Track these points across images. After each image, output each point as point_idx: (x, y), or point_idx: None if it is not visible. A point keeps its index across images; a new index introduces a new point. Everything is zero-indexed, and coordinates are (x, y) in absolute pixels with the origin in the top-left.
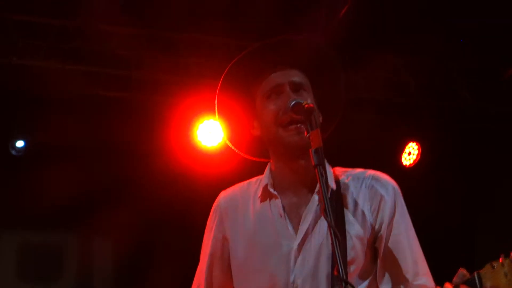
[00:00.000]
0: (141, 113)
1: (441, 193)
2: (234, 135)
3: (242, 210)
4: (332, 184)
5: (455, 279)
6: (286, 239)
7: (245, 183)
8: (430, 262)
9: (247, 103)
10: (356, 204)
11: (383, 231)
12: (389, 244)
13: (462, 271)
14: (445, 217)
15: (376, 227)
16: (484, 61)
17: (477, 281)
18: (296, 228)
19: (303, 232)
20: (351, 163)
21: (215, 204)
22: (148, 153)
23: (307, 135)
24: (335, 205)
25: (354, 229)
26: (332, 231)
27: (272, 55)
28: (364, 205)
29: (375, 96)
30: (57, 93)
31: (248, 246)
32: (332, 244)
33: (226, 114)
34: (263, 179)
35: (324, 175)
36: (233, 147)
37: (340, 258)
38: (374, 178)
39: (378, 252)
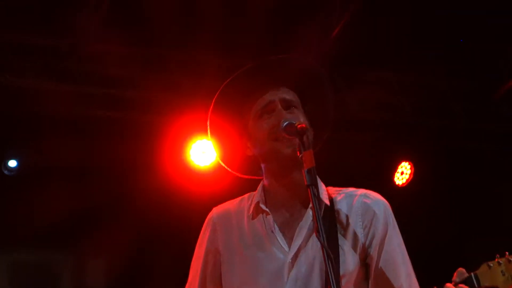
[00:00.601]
0: (134, 133)
1: (433, 212)
2: (226, 154)
3: (235, 225)
4: (326, 200)
5: (454, 278)
6: (280, 253)
7: (237, 199)
8: (421, 280)
9: (239, 123)
10: (348, 220)
11: (375, 247)
12: (382, 260)
13: (461, 270)
14: (437, 236)
15: (367, 243)
16: (477, 81)
17: (474, 280)
18: (289, 243)
19: (296, 247)
20: (344, 182)
21: (208, 218)
22: (141, 173)
23: (300, 156)
24: (328, 221)
25: (347, 244)
26: (325, 251)
27: (262, 75)
28: (357, 221)
29: (368, 116)
30: (50, 112)
31: (241, 261)
32: (325, 262)
33: (218, 135)
34: (255, 196)
35: (317, 195)
36: (225, 167)
37: (333, 278)
38: (365, 195)
39: (370, 268)
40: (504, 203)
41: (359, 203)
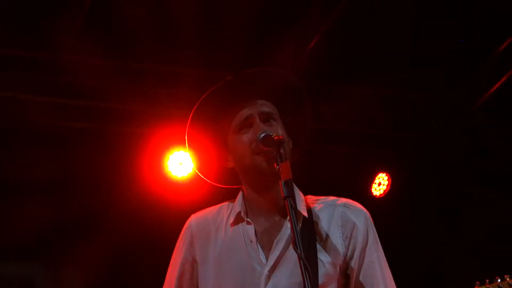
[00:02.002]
0: (111, 144)
1: (410, 222)
2: (204, 165)
3: (214, 234)
4: (303, 212)
5: None
6: (257, 265)
7: (216, 207)
8: None
9: (218, 136)
10: (328, 231)
11: (356, 259)
12: (362, 273)
13: None
14: (415, 246)
15: (349, 254)
16: (453, 93)
17: None
18: (267, 255)
19: (274, 259)
20: (322, 193)
21: (186, 226)
22: (118, 184)
23: (277, 167)
24: (307, 233)
25: (326, 256)
26: (302, 264)
27: (240, 88)
28: (336, 232)
29: (344, 128)
30: (25, 124)
31: (219, 271)
32: (302, 274)
33: (196, 147)
34: (236, 205)
35: (294, 207)
36: (204, 178)
37: None
38: (346, 205)
39: (350, 280)
40: (481, 212)
41: (338, 214)
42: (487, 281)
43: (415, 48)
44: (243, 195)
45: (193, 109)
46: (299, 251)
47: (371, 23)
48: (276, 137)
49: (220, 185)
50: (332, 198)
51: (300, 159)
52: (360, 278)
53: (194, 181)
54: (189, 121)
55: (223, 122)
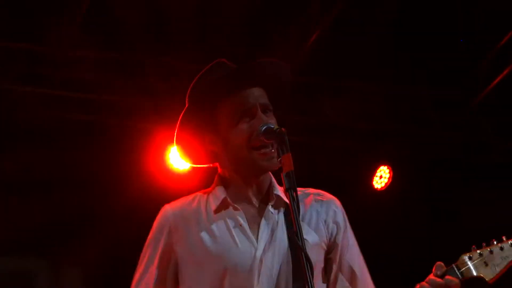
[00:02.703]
0: (111, 138)
1: (411, 215)
2: (183, 140)
3: (195, 222)
4: (286, 199)
5: (434, 271)
6: (249, 248)
7: (189, 197)
8: (397, 282)
9: (206, 116)
10: (310, 215)
11: (339, 242)
12: (347, 256)
13: (440, 263)
14: (414, 239)
15: (331, 239)
16: (454, 89)
17: (457, 271)
18: (256, 239)
19: (264, 243)
20: (323, 186)
21: (161, 216)
22: (119, 178)
23: (279, 159)
24: (290, 221)
25: (311, 237)
26: (304, 256)
27: (243, 77)
28: (318, 218)
29: (345, 122)
30: (26, 119)
31: (206, 257)
32: (303, 265)
33: (184, 121)
34: (217, 192)
35: (296, 200)
36: (178, 150)
37: (311, 280)
38: (319, 194)
39: (329, 268)
40: (481, 207)
41: (316, 201)
42: (484, 244)
43: (415, 44)
44: (223, 182)
45: (194, 80)
46: (300, 243)
47: (372, 19)
48: (278, 129)
49: (190, 163)
50: (300, 188)
51: (302, 153)
52: (345, 260)
53: (196, 174)
54: (188, 92)
55: (218, 104)
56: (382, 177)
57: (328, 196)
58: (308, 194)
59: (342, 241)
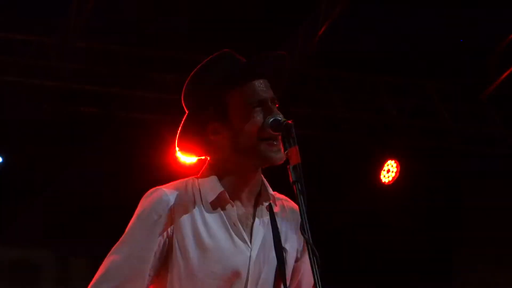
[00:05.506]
0: (119, 130)
1: (419, 209)
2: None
3: (192, 210)
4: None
5: None
6: (244, 249)
7: (181, 182)
8: (410, 276)
9: (212, 104)
10: (286, 224)
11: (300, 256)
12: (304, 273)
13: None
14: (423, 233)
15: (300, 248)
16: (462, 82)
17: None
18: (249, 239)
19: (258, 243)
20: (331, 180)
21: (158, 198)
22: (127, 171)
23: (285, 152)
24: (274, 224)
25: (287, 249)
26: (310, 249)
27: (258, 68)
28: (291, 225)
29: (353, 115)
30: (34, 110)
31: (201, 252)
32: (310, 260)
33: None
34: (212, 183)
35: (305, 193)
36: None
37: (318, 276)
38: (287, 200)
39: (295, 272)
40: (483, 198)
41: (287, 208)
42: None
43: (425, 36)
44: (217, 171)
45: (198, 67)
46: (306, 236)
47: (381, 11)
48: (285, 121)
49: (183, 153)
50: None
51: (310, 146)
52: (304, 270)
53: (202, 166)
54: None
55: (227, 94)
56: (389, 171)
57: (293, 204)
58: (281, 200)
59: (303, 257)
